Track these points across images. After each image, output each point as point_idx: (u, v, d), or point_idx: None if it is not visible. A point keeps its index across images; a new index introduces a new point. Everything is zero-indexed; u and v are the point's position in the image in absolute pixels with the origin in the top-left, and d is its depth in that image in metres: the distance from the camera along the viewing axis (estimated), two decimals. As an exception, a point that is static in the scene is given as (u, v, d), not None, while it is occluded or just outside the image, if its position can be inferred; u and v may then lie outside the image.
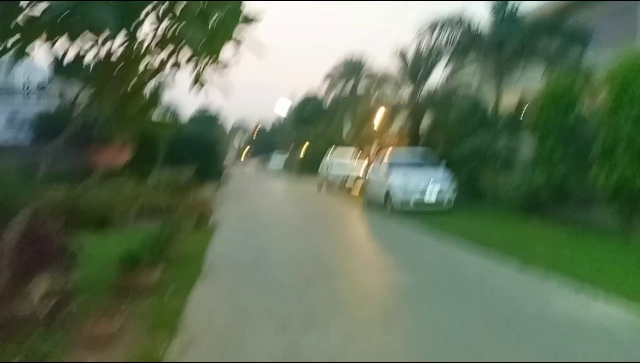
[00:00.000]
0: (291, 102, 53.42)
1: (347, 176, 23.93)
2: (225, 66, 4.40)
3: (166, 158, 18.05)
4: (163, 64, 4.36)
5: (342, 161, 25.96)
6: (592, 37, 15.14)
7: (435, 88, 20.72)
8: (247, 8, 4.23)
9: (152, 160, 16.88)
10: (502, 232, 10.28)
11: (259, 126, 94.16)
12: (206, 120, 54.04)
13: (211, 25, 4.00)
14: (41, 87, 22.51)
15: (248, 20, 4.28)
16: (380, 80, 24.02)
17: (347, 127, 42.48)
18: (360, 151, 28.61)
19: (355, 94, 41.89)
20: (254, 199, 20.44)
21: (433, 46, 18.57)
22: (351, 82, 42.67)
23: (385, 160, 16.31)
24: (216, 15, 3.97)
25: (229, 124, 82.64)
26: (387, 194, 14.54)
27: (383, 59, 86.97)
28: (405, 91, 21.50)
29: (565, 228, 10.24)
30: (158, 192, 12.84)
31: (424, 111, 20.45)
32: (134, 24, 3.48)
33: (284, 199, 21.34)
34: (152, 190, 12.91)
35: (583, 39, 15.09)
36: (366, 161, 28.72)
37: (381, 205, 15.04)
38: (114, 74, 4.10)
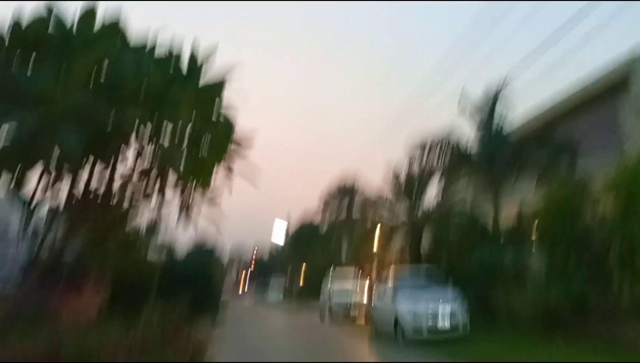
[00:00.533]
0: (287, 223, 53.50)
1: (351, 303, 22.78)
2: (216, 193, 4.02)
3: (160, 294, 17.14)
4: (146, 192, 3.97)
5: (344, 287, 24.97)
6: (579, 147, 15.47)
7: (432, 205, 20.72)
8: (238, 132, 3.99)
9: (143, 298, 15.95)
10: (531, 358, 9.25)
11: (255, 253, 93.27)
12: (203, 254, 53.34)
13: (201, 148, 3.71)
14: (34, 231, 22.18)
15: (240, 143, 4.01)
16: (375, 199, 24.07)
17: (345, 248, 41.93)
18: (361, 271, 27.72)
19: (351, 215, 42.00)
20: (252, 336, 19.06)
21: (425, 164, 18.91)
22: (346, 203, 43.07)
23: (390, 282, 15.52)
24: (206, 138, 3.69)
25: (226, 254, 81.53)
26: (396, 322, 13.47)
27: (376, 177, 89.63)
28: (402, 209, 21.43)
29: (596, 347, 9.28)
30: (149, 332, 11.84)
31: (422, 228, 20.17)
32: (111, 148, 3.15)
33: (285, 335, 19.93)
34: (142, 330, 11.90)
35: (572, 149, 15.40)
36: (367, 282, 27.71)
37: (391, 334, 13.89)
38: (91, 207, 3.69)
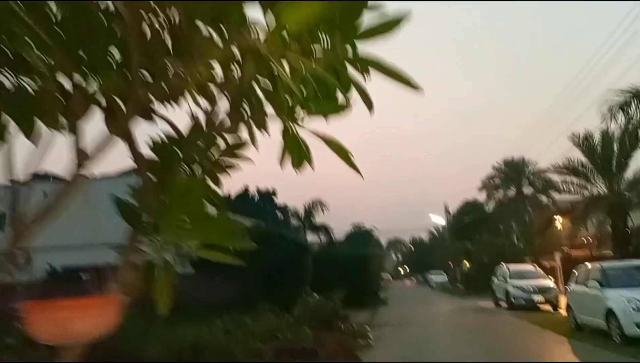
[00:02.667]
0: (443, 218, 50.04)
1: (534, 288, 18.54)
2: (342, 110, 2.14)
3: (316, 281, 16.24)
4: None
5: (525, 268, 21.38)
6: None
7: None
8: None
9: (295, 286, 15.10)
10: None
11: (416, 241, 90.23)
12: (360, 237, 52.18)
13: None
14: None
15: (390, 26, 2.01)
16: (556, 170, 19.93)
17: (517, 236, 37.46)
18: (540, 266, 23.45)
19: (521, 197, 37.52)
20: (418, 320, 17.01)
21: (627, 125, 14.95)
22: (514, 186, 38.48)
23: (596, 267, 12.25)
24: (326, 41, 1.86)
25: (383, 240, 78.80)
26: (610, 314, 10.42)
27: (547, 157, 77.83)
28: (597, 186, 17.38)
29: None
30: (301, 326, 10.78)
31: (628, 207, 16.09)
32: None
33: (457, 322, 17.44)
34: (294, 324, 10.91)
35: None
36: (559, 263, 23.57)
37: (600, 329, 10.89)
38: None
